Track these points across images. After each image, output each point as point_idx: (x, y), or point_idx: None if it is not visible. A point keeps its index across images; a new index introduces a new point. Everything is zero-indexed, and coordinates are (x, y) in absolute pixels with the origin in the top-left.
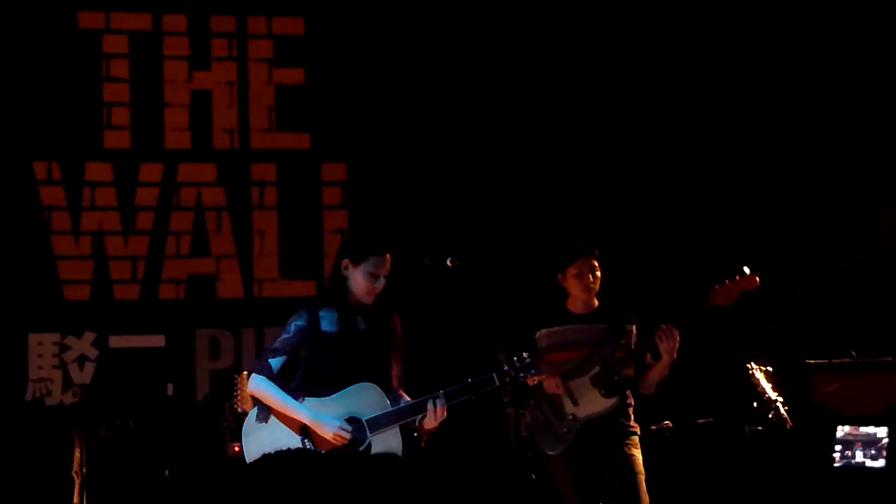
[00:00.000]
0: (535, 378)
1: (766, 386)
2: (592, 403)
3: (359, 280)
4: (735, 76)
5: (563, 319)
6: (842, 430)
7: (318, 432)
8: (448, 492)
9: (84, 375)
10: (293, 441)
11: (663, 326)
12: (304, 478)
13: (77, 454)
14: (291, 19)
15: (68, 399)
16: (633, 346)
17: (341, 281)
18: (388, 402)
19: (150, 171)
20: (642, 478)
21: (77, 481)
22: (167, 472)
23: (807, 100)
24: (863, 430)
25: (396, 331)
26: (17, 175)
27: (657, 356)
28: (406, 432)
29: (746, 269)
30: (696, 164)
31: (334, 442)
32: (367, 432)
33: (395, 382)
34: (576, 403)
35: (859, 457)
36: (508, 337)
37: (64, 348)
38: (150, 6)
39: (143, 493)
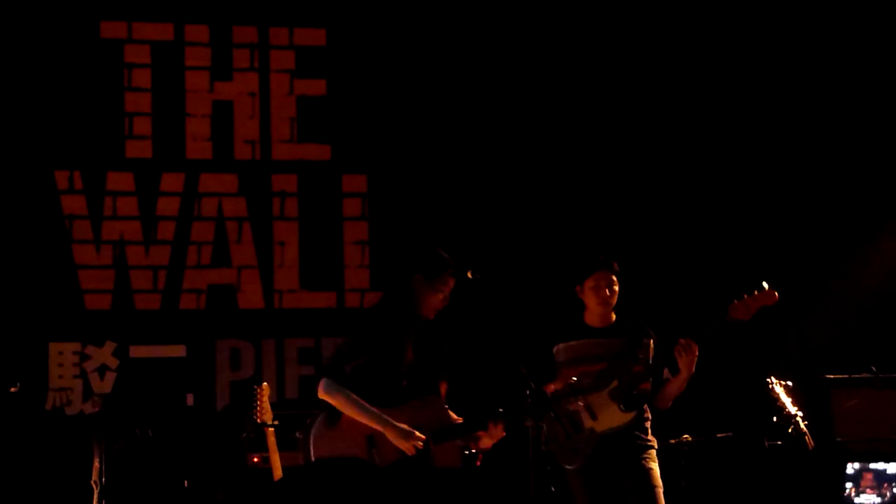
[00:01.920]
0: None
1: (786, 400)
2: (611, 418)
3: (430, 296)
4: (759, 90)
5: (580, 333)
6: (852, 468)
7: (391, 439)
8: None
9: (104, 385)
10: (359, 447)
11: (682, 341)
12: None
13: (96, 464)
14: (313, 30)
15: (88, 408)
16: (650, 360)
17: (410, 295)
18: (449, 416)
19: (172, 181)
20: (660, 490)
21: (96, 491)
22: (187, 483)
23: (828, 114)
24: (872, 466)
25: (447, 348)
26: (38, 184)
27: (675, 370)
28: (464, 450)
29: (765, 285)
30: (718, 177)
31: (406, 451)
32: (431, 445)
33: (443, 398)
34: (594, 418)
35: (870, 495)
36: (527, 351)
37: (84, 358)
38: (173, 16)
39: (163, 503)
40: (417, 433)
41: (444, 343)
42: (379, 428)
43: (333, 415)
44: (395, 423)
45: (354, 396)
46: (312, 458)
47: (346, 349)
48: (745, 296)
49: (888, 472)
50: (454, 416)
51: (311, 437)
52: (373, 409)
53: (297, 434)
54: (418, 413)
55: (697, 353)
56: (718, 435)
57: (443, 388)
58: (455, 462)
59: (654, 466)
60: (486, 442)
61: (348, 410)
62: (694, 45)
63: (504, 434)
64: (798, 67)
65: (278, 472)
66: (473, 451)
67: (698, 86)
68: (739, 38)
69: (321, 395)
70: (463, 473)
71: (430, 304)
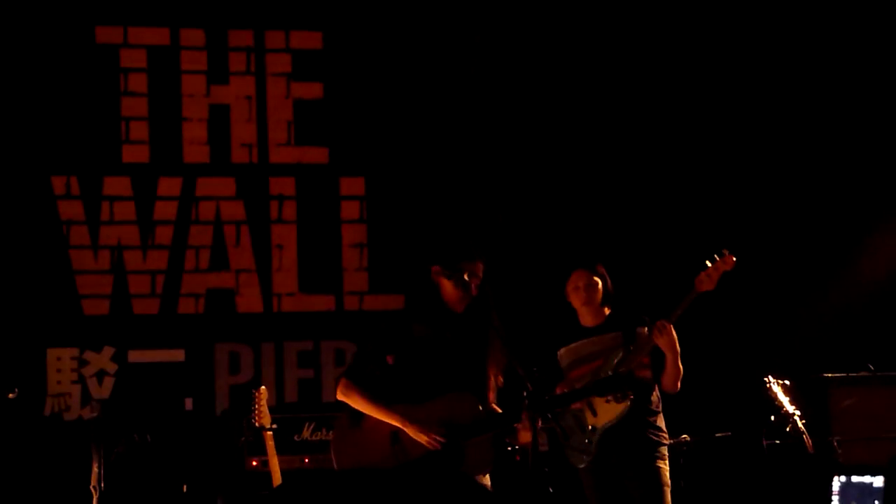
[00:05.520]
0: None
1: (784, 399)
2: (607, 412)
3: (449, 288)
4: (758, 82)
5: (577, 335)
6: (838, 482)
7: (413, 436)
8: None
9: (103, 390)
10: (383, 446)
11: (658, 323)
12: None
13: (95, 469)
14: (309, 34)
15: (87, 414)
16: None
17: (433, 289)
18: (482, 411)
19: (169, 186)
20: (668, 489)
21: (95, 496)
22: (185, 488)
23: (825, 111)
24: (857, 479)
25: (495, 342)
26: (35, 190)
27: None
28: (500, 446)
29: (725, 251)
30: (712, 174)
31: (428, 447)
32: (461, 440)
33: (490, 394)
34: (595, 414)
35: None
36: (532, 358)
37: (83, 363)
38: (168, 21)
39: None
40: (436, 428)
41: (491, 337)
42: (398, 425)
43: (355, 415)
44: (414, 419)
45: (371, 395)
46: (334, 460)
47: (366, 350)
48: (709, 265)
49: (874, 485)
50: (498, 410)
51: (333, 439)
52: (390, 406)
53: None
54: (448, 409)
55: (674, 332)
56: (717, 434)
57: (490, 384)
58: (486, 460)
59: (663, 465)
60: (525, 436)
61: (366, 409)
62: (679, 36)
63: (540, 426)
64: (798, 57)
65: (277, 476)
66: (516, 446)
67: (695, 78)
68: (720, 26)
69: (339, 396)
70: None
71: (453, 295)
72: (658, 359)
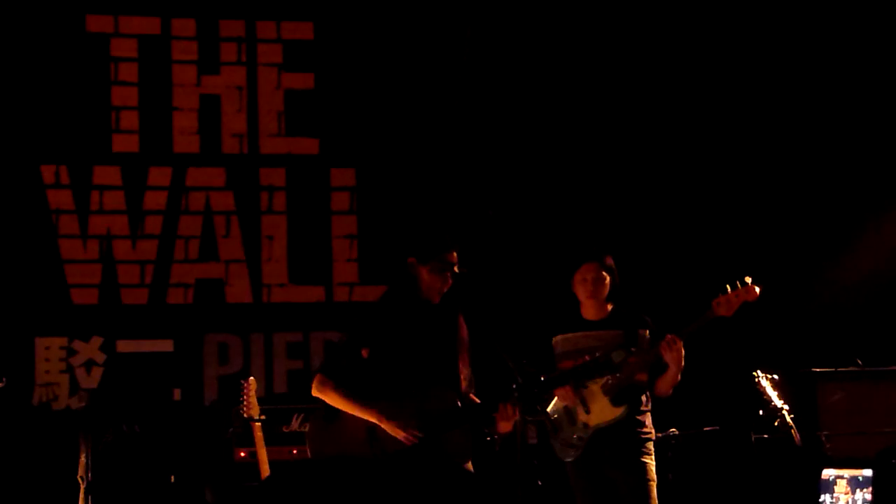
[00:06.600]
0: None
1: (772, 394)
2: (602, 412)
3: (426, 278)
4: (743, 85)
5: (577, 326)
6: (827, 474)
7: (390, 432)
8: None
9: (91, 380)
10: (360, 442)
11: (668, 336)
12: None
13: (83, 459)
14: (301, 24)
15: (75, 404)
16: (645, 351)
17: (409, 280)
18: (459, 402)
19: (159, 175)
20: (653, 484)
21: (82, 486)
22: (173, 478)
23: (811, 106)
24: (846, 472)
25: (463, 332)
26: (24, 178)
27: (665, 364)
28: (478, 436)
29: (748, 280)
30: (704, 169)
31: (405, 442)
32: (438, 433)
33: (464, 385)
34: (587, 412)
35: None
36: (525, 343)
37: (71, 353)
38: (159, 10)
39: (149, 498)
40: (413, 423)
41: (460, 327)
42: (374, 421)
43: (331, 411)
44: (390, 414)
45: (346, 391)
46: (309, 455)
47: (341, 345)
48: (729, 290)
49: (860, 477)
50: (475, 401)
51: (308, 434)
52: (367, 402)
53: None
54: (424, 402)
55: (683, 348)
56: (705, 428)
57: (463, 374)
58: (465, 451)
59: (649, 461)
60: (504, 426)
61: (341, 405)
62: (684, 41)
63: (518, 416)
64: (784, 59)
65: (265, 467)
66: (495, 436)
67: (686, 78)
68: (736, 33)
69: (314, 392)
70: (473, 463)
71: (430, 286)
72: (656, 364)
